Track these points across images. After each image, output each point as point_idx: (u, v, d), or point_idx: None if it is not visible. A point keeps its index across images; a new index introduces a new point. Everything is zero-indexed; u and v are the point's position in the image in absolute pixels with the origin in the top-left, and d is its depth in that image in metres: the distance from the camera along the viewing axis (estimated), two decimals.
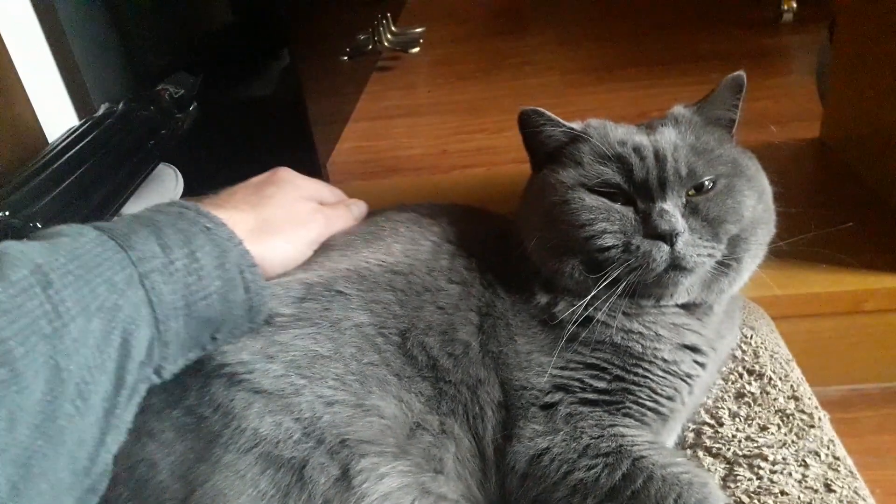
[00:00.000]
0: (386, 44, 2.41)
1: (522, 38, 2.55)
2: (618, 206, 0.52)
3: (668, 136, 0.54)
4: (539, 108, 0.56)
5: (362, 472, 0.46)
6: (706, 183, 0.53)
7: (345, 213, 0.64)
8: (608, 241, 0.51)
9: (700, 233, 0.52)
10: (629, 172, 0.52)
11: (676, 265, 0.51)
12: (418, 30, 2.51)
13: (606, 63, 2.17)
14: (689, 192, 0.53)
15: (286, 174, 0.63)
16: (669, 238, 0.50)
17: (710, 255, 0.52)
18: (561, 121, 0.56)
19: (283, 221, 0.58)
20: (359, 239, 0.61)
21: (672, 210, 0.51)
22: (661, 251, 0.50)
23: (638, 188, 0.52)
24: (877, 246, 0.99)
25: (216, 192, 0.61)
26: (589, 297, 0.52)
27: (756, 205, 0.54)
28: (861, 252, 0.91)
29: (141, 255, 0.46)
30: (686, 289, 0.54)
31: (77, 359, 0.40)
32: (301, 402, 0.48)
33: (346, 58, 2.14)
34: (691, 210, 0.52)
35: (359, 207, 0.67)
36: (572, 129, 0.56)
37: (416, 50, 2.44)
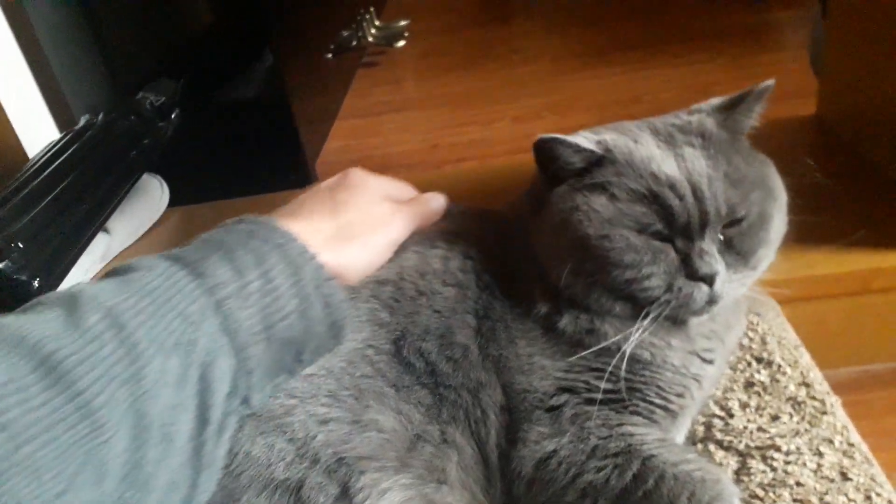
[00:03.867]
0: (370, 39, 2.38)
1: (509, 27, 2.53)
2: (659, 244, 0.49)
3: (700, 167, 0.50)
4: (557, 136, 0.51)
5: (364, 489, 0.45)
6: (742, 215, 0.50)
7: (423, 209, 0.61)
8: (654, 283, 0.49)
9: (735, 267, 0.50)
10: (668, 214, 0.49)
11: (713, 301, 0.50)
12: (402, 23, 2.49)
13: (596, 48, 2.15)
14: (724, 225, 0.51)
15: (358, 176, 0.60)
16: (710, 279, 0.49)
17: (743, 285, 0.52)
18: (582, 145, 0.51)
19: (362, 226, 0.55)
20: None
21: (711, 250, 0.49)
22: (702, 292, 0.49)
23: (677, 229, 0.49)
24: (881, 223, 0.97)
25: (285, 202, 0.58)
26: (623, 334, 0.51)
27: (781, 223, 0.53)
28: (864, 229, 0.90)
29: (214, 281, 0.44)
30: (713, 314, 0.53)
31: (158, 401, 0.39)
32: (293, 422, 0.47)
33: (330, 55, 2.12)
34: (726, 245, 0.50)
35: (437, 200, 0.63)
36: (596, 152, 0.51)
37: (401, 43, 2.42)
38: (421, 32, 2.52)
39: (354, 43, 2.29)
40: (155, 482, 0.38)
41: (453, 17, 2.73)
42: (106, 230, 1.06)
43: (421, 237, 0.59)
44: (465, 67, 2.22)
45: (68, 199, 0.82)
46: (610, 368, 0.51)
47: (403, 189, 0.64)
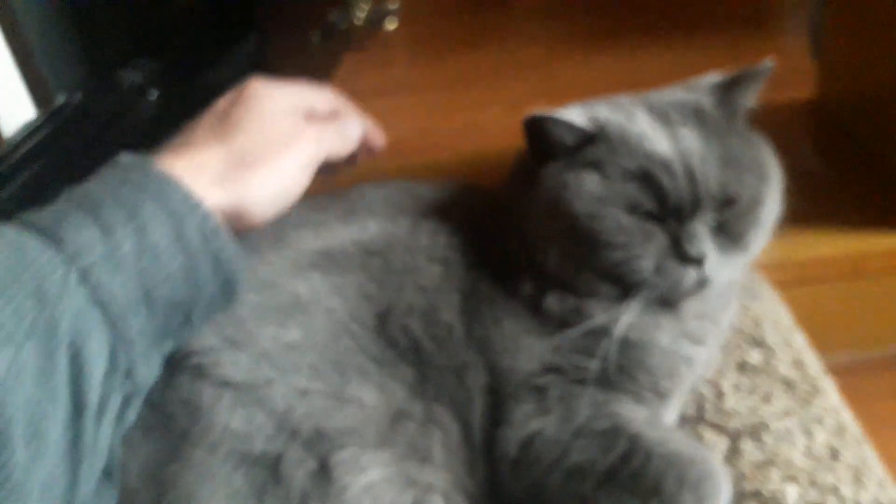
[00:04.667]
0: (360, 21, 2.35)
1: (503, 11, 2.49)
2: (650, 225, 0.48)
3: (695, 147, 0.49)
4: (548, 114, 0.49)
5: (342, 464, 0.44)
6: (734, 198, 0.49)
7: (341, 130, 0.54)
8: (643, 264, 0.48)
9: (726, 249, 0.49)
10: (660, 195, 0.48)
11: (703, 283, 0.49)
12: (393, 6, 2.46)
13: (593, 33, 2.12)
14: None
15: (257, 87, 0.51)
16: (699, 261, 0.48)
17: (734, 268, 0.51)
18: (574, 122, 0.50)
19: (262, 149, 0.47)
20: (332, 216, 0.57)
21: (701, 233, 0.48)
22: (691, 275, 0.48)
23: (669, 210, 0.48)
24: (877, 206, 0.97)
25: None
26: (611, 315, 0.49)
27: (774, 206, 0.52)
28: (861, 213, 0.89)
29: (75, 247, 0.38)
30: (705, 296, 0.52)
31: (16, 399, 0.34)
32: (274, 394, 0.46)
33: (317, 38, 2.09)
34: (718, 227, 0.49)
35: (356, 124, 0.56)
36: (587, 131, 0.50)
37: (392, 27, 2.39)
38: (412, 15, 2.49)
39: (342, 26, 2.26)
40: (28, 486, 0.34)
41: (446, 0, 2.69)
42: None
43: (413, 210, 0.57)
44: (457, 51, 2.19)
45: (42, 181, 0.80)
46: (598, 349, 0.49)
47: (325, 98, 0.55)
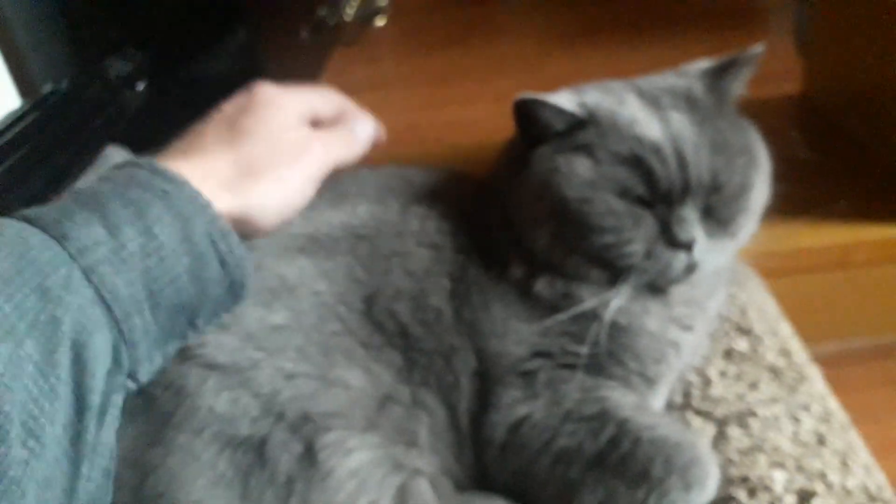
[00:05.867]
0: (349, 17, 2.34)
1: (491, 6, 2.49)
2: (640, 210, 0.48)
3: (686, 132, 0.49)
4: (537, 97, 0.49)
5: (328, 447, 0.44)
6: (724, 183, 0.49)
7: (348, 137, 0.54)
8: (633, 248, 0.48)
9: (714, 234, 0.49)
10: (651, 180, 0.48)
11: (692, 268, 0.49)
12: (382, 2, 2.45)
13: (580, 28, 2.13)
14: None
15: (266, 93, 0.51)
16: (688, 246, 0.48)
17: (723, 254, 0.51)
18: (564, 107, 0.49)
19: (271, 158, 0.47)
20: (323, 200, 0.56)
21: (691, 218, 0.48)
22: (680, 260, 0.48)
23: (659, 195, 0.48)
24: (863, 196, 0.98)
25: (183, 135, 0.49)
26: (600, 299, 0.49)
27: (763, 192, 0.52)
28: (848, 204, 0.90)
29: (80, 244, 0.37)
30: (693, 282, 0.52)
31: (13, 396, 0.33)
32: (259, 377, 0.45)
33: (306, 33, 2.08)
34: (707, 212, 0.49)
35: (365, 128, 0.56)
36: (578, 115, 0.50)
37: (381, 22, 2.38)
38: (401, 11, 2.48)
39: (332, 21, 2.26)
40: (25, 484, 0.33)
41: None
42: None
43: (404, 195, 0.56)
44: (446, 47, 2.19)
45: (24, 168, 0.79)
46: (586, 334, 0.49)
47: (329, 101, 0.55)
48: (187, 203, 0.42)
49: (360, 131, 0.55)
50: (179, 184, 0.42)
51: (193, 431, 0.43)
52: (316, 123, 0.54)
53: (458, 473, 0.50)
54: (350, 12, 2.36)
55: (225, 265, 0.43)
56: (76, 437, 0.36)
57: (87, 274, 0.37)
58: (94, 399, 0.37)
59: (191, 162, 0.45)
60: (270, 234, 0.50)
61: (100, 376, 0.38)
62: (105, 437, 0.39)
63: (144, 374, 0.41)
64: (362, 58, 2.29)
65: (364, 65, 2.22)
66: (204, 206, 0.42)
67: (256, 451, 0.43)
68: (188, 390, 0.44)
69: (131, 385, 0.41)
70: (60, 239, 0.37)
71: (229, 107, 0.51)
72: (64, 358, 0.36)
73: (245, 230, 0.47)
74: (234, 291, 0.44)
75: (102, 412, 0.38)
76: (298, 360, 0.47)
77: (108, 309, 0.38)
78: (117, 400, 0.40)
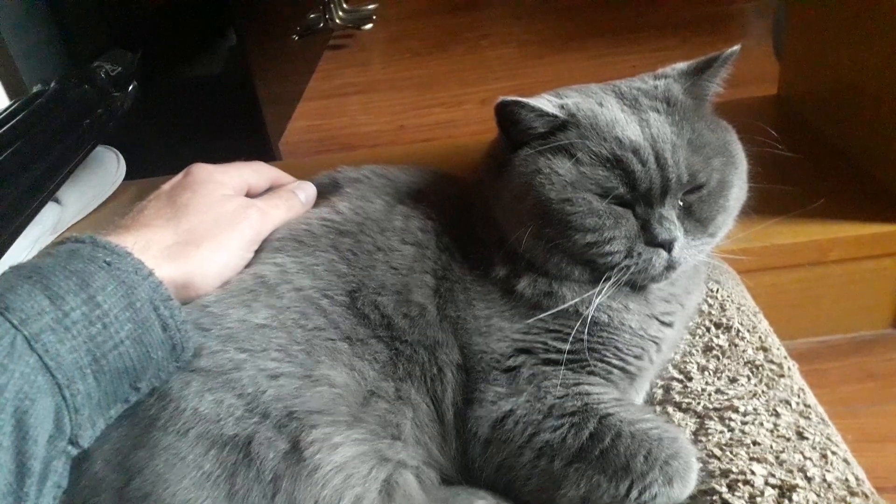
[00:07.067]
0: (338, 21, 2.35)
1: (478, 12, 2.52)
2: (620, 209, 0.49)
3: (665, 133, 0.49)
4: (520, 99, 0.50)
5: (314, 444, 0.44)
6: (703, 182, 0.50)
7: (284, 202, 0.57)
8: (614, 247, 0.49)
9: (694, 233, 0.50)
10: (631, 180, 0.48)
11: (671, 266, 0.50)
12: (371, 6, 2.46)
13: (563, 34, 2.16)
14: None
15: (201, 172, 0.55)
16: (668, 245, 0.49)
17: (701, 252, 0.52)
18: (545, 109, 0.50)
19: (209, 228, 0.51)
20: None
21: (670, 216, 0.49)
22: (661, 258, 0.49)
23: (639, 195, 0.49)
24: (838, 195, 0.99)
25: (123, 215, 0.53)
26: (581, 297, 0.50)
27: (741, 190, 0.53)
28: (823, 202, 0.91)
29: (23, 315, 0.38)
30: (672, 279, 0.53)
31: None
32: (242, 378, 0.46)
33: (296, 36, 2.09)
34: (686, 211, 0.50)
35: (305, 190, 0.59)
36: (559, 117, 0.50)
37: (369, 26, 2.40)
38: (389, 16, 2.50)
39: (321, 25, 2.26)
40: None
41: (422, 2, 2.70)
42: (58, 201, 1.03)
43: (388, 193, 0.57)
44: (432, 51, 2.22)
45: (13, 167, 0.79)
46: (568, 331, 0.50)
47: (263, 174, 0.59)
48: (130, 272, 0.43)
49: (300, 194, 0.59)
50: (122, 255, 0.44)
51: (178, 433, 0.43)
52: (251, 195, 0.57)
53: (443, 464, 0.50)
54: (341, 15, 2.37)
55: (167, 329, 0.44)
56: (16, 503, 0.37)
57: (31, 342, 0.38)
58: (35, 465, 0.38)
59: (132, 235, 0.47)
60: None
61: (41, 443, 0.38)
62: (45, 503, 0.39)
63: (86, 440, 0.42)
64: (351, 61, 2.30)
65: (353, 68, 2.23)
66: (146, 275, 0.44)
67: (242, 449, 0.43)
68: (172, 394, 0.45)
69: (73, 451, 0.41)
70: (3, 311, 0.38)
71: (168, 186, 0.54)
72: (6, 425, 0.37)
73: (187, 295, 0.49)
74: (176, 354, 0.45)
75: (43, 478, 0.39)
76: (282, 359, 0.47)
77: (52, 376, 0.39)
78: (58, 466, 0.40)
